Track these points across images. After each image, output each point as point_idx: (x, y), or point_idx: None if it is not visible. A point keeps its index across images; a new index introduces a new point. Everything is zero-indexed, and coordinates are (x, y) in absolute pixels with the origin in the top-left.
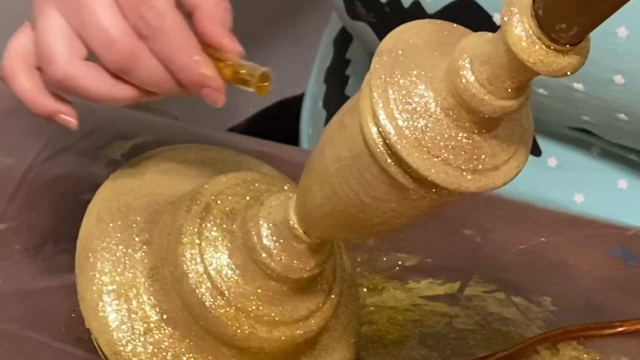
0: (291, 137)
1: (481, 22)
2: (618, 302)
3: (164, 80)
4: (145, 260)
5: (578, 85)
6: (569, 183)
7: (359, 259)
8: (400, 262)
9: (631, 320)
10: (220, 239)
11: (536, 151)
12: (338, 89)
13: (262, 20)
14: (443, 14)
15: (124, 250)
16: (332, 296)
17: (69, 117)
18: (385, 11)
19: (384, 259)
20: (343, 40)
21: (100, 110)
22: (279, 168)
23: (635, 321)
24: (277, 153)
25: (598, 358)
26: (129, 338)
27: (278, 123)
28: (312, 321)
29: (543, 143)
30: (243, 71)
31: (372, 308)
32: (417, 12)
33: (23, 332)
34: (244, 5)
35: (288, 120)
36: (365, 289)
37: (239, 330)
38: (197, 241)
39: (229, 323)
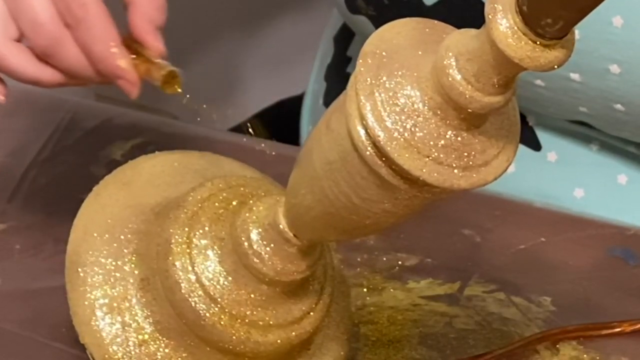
0: (291, 137)
1: (479, 12)
2: (618, 302)
3: (84, 68)
4: (136, 272)
5: (575, 76)
6: (568, 178)
7: (359, 259)
8: (400, 262)
9: (631, 320)
10: (210, 246)
11: (536, 146)
12: (339, 87)
13: (262, 19)
14: (441, 6)
15: (113, 263)
16: (325, 295)
17: None
18: (384, 4)
19: (384, 259)
20: (344, 37)
21: (100, 110)
22: (279, 168)
23: (634, 321)
24: (277, 153)
25: (598, 358)
26: (124, 351)
27: (278, 123)
28: (307, 322)
29: (543, 137)
30: (153, 67)
31: (372, 308)
32: (415, 5)
33: (23, 332)
34: (244, 4)
35: (288, 120)
36: (365, 289)
37: (234, 337)
38: (187, 250)
39: (224, 330)
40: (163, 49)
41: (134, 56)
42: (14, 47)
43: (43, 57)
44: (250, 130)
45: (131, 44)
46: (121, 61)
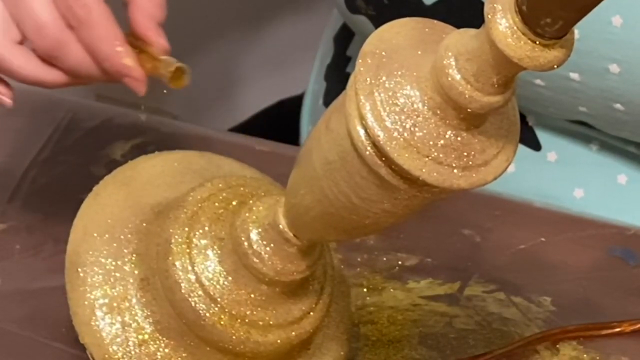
0: (291, 137)
1: (479, 12)
2: (618, 302)
3: (89, 68)
4: (136, 272)
5: (574, 75)
6: (568, 178)
7: (359, 259)
8: (400, 262)
9: (631, 320)
10: (210, 246)
11: (536, 146)
12: (339, 87)
13: (262, 19)
14: (441, 6)
15: (113, 263)
16: (324, 295)
17: (3, 97)
18: (384, 4)
19: (384, 259)
20: (344, 37)
21: (100, 110)
22: (279, 168)
23: (634, 321)
24: (277, 153)
25: (598, 358)
26: (124, 351)
27: (278, 123)
28: (306, 322)
29: (543, 137)
30: (160, 64)
31: (372, 308)
32: (415, 4)
33: (23, 332)
34: (244, 4)
35: (288, 120)
36: (365, 289)
37: (234, 337)
38: (187, 250)
39: (224, 330)
40: (167, 45)
41: (138, 54)
42: (15, 49)
43: (47, 59)
44: None
45: (133, 41)
46: (127, 59)
